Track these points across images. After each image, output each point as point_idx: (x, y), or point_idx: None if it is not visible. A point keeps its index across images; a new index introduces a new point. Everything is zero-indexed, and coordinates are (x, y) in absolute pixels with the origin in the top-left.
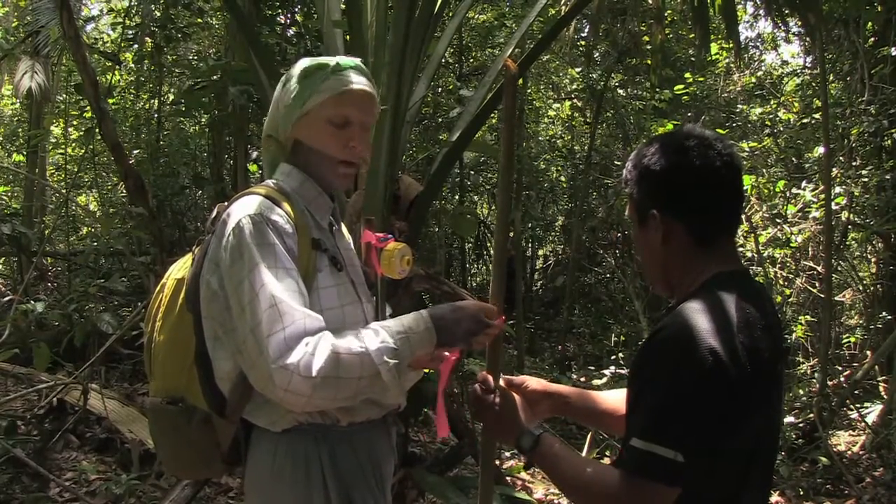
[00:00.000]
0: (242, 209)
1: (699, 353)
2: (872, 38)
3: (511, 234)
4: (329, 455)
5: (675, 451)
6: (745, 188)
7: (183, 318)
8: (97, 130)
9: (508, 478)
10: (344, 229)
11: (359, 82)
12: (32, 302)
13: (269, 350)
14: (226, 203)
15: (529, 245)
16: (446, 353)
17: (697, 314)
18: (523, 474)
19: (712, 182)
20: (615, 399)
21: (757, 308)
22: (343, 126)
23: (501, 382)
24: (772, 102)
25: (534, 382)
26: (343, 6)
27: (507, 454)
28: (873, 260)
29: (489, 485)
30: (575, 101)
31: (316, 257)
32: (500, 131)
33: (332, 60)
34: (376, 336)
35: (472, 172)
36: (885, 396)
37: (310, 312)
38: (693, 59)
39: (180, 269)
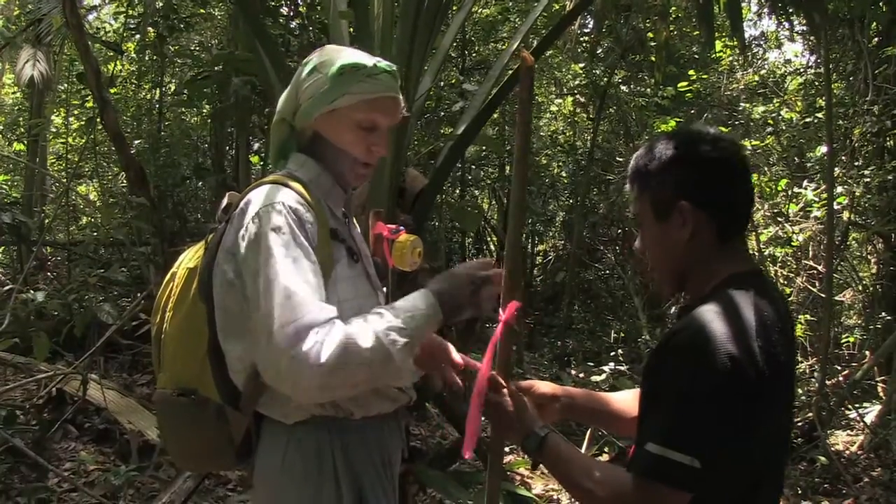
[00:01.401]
0: (262, 198)
1: (717, 357)
2: (877, 38)
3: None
4: (342, 448)
5: (692, 456)
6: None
7: (196, 308)
8: (99, 120)
9: (508, 473)
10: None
11: (392, 89)
12: (32, 291)
13: (279, 341)
14: (237, 193)
15: (530, 240)
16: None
17: (715, 318)
18: (522, 469)
19: (738, 177)
20: (625, 401)
21: (773, 310)
22: (370, 130)
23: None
24: (775, 101)
25: (543, 386)
26: None
27: (507, 449)
28: (873, 260)
29: (496, 484)
30: (577, 97)
31: (334, 248)
32: (501, 125)
33: (368, 61)
34: (381, 318)
35: (474, 167)
36: (883, 397)
37: (324, 305)
38: (696, 56)
39: (191, 258)
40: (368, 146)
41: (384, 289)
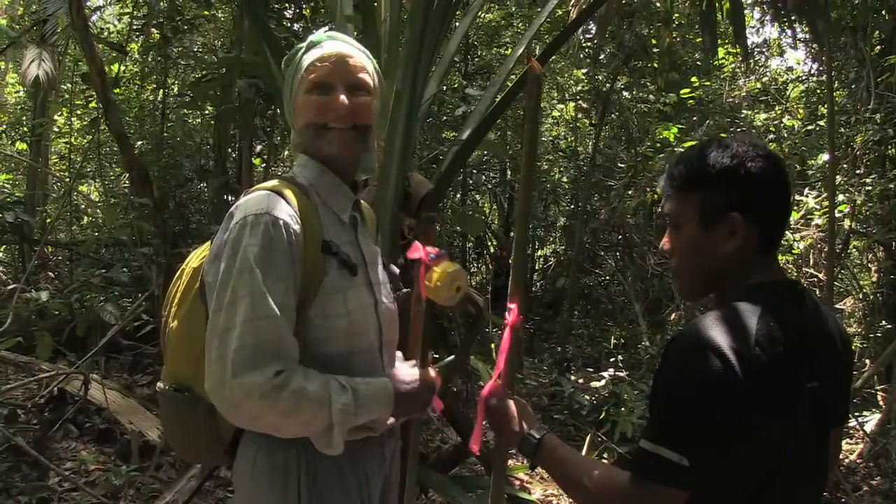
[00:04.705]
0: (249, 206)
1: (709, 360)
2: (879, 47)
3: (512, 235)
4: (308, 465)
5: (680, 454)
6: None
7: (196, 309)
8: (102, 120)
9: (508, 477)
10: (368, 220)
11: (331, 46)
12: (35, 291)
13: (230, 360)
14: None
15: (530, 245)
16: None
17: (715, 322)
18: (522, 474)
19: (787, 192)
20: None
21: (792, 321)
22: (321, 91)
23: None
24: (777, 108)
25: None
26: (355, 1)
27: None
28: (874, 269)
29: (501, 488)
30: (580, 102)
31: (324, 261)
32: (503, 130)
33: (309, 39)
34: (343, 392)
35: (475, 171)
36: (883, 406)
37: (286, 335)
38: (699, 63)
39: (198, 256)
40: (324, 106)
41: (395, 299)
